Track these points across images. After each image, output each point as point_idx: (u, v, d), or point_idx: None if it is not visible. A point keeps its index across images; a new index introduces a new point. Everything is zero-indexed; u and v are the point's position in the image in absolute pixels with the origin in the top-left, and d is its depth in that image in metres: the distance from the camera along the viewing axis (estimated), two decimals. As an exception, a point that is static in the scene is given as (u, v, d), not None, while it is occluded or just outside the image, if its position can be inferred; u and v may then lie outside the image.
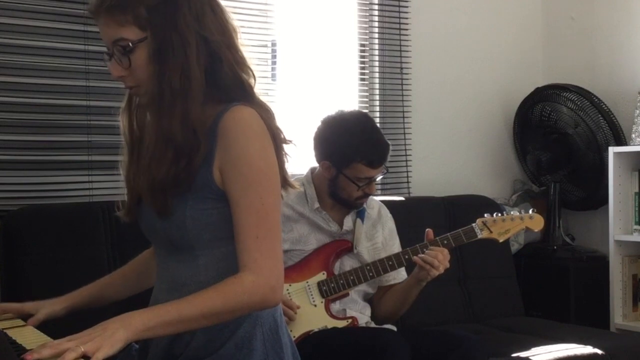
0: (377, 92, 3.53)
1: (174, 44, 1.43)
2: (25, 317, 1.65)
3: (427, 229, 2.43)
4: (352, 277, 2.41)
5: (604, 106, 3.46)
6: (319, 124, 2.49)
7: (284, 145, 1.54)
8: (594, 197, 3.60)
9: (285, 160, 1.54)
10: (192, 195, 1.46)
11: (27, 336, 1.45)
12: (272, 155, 1.48)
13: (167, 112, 1.43)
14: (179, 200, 1.46)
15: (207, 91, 1.47)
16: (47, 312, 1.65)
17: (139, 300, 1.65)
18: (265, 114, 1.50)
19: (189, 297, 1.41)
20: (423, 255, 2.35)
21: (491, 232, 2.46)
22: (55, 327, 1.55)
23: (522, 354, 2.63)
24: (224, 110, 1.46)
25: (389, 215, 2.64)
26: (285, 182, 1.56)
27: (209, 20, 1.47)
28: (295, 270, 2.42)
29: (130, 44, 1.44)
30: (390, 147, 2.46)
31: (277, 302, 1.46)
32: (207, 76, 1.47)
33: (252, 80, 1.53)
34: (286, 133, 1.56)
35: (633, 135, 3.32)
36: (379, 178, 2.52)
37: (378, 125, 3.38)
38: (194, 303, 1.39)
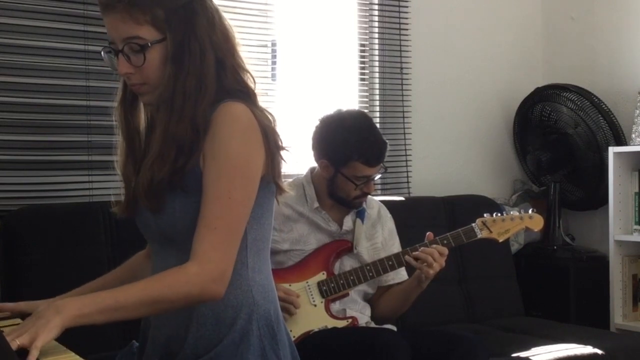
0: (377, 92, 3.54)
1: (192, 48, 1.46)
2: (21, 316, 1.65)
3: (427, 233, 2.43)
4: (352, 277, 2.41)
5: (604, 106, 3.46)
6: (317, 123, 2.50)
7: (281, 152, 1.54)
8: (594, 197, 3.60)
9: (280, 164, 1.54)
10: (181, 188, 1.47)
11: None
12: (256, 153, 1.48)
13: (176, 114, 1.45)
14: (170, 195, 1.47)
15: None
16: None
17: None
18: (262, 116, 1.51)
19: (129, 284, 1.42)
20: (417, 253, 2.35)
21: (491, 231, 2.46)
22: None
23: (522, 354, 2.63)
24: (217, 106, 1.47)
25: (389, 215, 2.64)
26: (276, 184, 1.56)
27: (217, 27, 1.50)
28: (295, 270, 2.42)
29: (149, 44, 1.45)
30: (388, 146, 2.46)
31: (217, 295, 1.43)
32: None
33: (252, 85, 1.55)
34: (284, 138, 1.55)
35: (633, 135, 3.32)
36: (377, 177, 2.52)
37: (378, 125, 3.39)
38: (132, 291, 1.39)
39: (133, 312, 1.39)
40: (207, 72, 1.47)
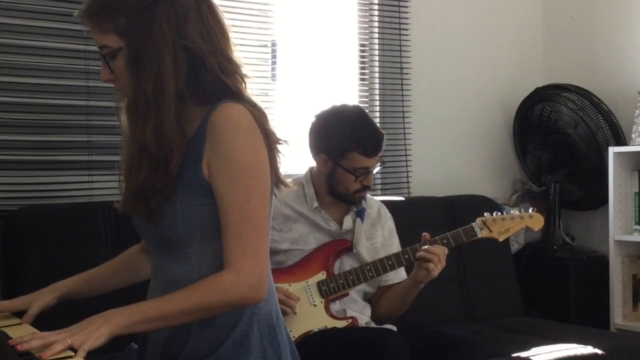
0: (377, 92, 3.54)
1: (149, 53, 1.44)
2: (18, 313, 1.66)
3: (424, 234, 2.43)
4: (351, 277, 2.41)
5: (604, 106, 3.46)
6: (312, 119, 2.50)
7: (278, 145, 1.54)
8: (594, 197, 3.60)
9: (279, 159, 1.55)
10: (181, 192, 1.47)
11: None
12: (262, 152, 1.48)
13: (141, 121, 1.45)
14: (168, 202, 1.47)
15: (193, 94, 1.48)
16: (40, 305, 1.67)
17: (135, 293, 1.66)
18: (257, 113, 1.50)
19: (170, 294, 1.44)
20: (422, 254, 2.35)
21: (491, 231, 2.46)
22: (49, 323, 1.55)
23: (522, 354, 2.63)
24: (214, 108, 1.46)
25: (389, 215, 2.64)
26: (278, 180, 1.56)
27: (191, 26, 1.47)
28: (295, 270, 2.42)
29: (109, 53, 1.47)
30: (385, 138, 2.46)
31: (259, 299, 1.47)
32: (191, 82, 1.47)
33: (240, 84, 1.52)
34: (281, 133, 1.55)
35: (633, 135, 3.32)
36: (376, 170, 2.52)
37: (378, 124, 3.40)
38: (174, 301, 1.43)
39: (175, 321, 1.44)
40: (166, 76, 1.44)
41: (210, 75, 1.48)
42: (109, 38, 1.46)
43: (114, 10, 1.45)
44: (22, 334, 1.34)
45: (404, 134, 3.53)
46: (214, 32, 1.50)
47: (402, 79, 3.53)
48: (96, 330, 1.34)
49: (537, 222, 2.53)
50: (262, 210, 1.47)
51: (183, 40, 1.45)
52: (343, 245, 2.47)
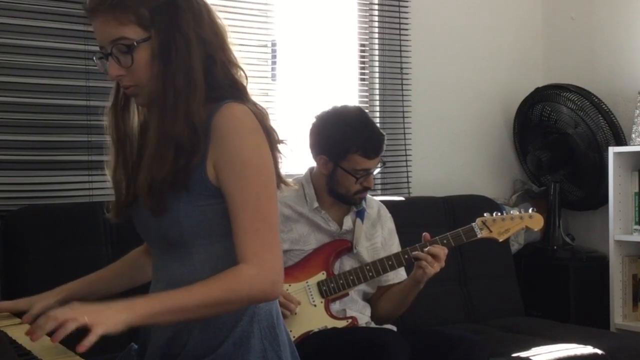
0: (377, 92, 3.54)
1: (178, 45, 1.45)
2: (20, 314, 1.65)
3: (424, 234, 2.43)
4: (351, 277, 2.41)
5: (604, 106, 3.46)
6: (313, 120, 2.50)
7: (278, 145, 1.55)
8: (594, 197, 3.60)
9: (279, 159, 1.55)
10: (186, 193, 1.47)
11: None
12: (266, 150, 1.48)
13: (170, 112, 1.45)
14: (174, 198, 1.47)
15: (206, 89, 1.49)
16: (41, 306, 1.65)
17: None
18: (258, 112, 1.51)
19: (190, 286, 1.42)
20: (418, 253, 2.36)
21: (491, 231, 2.46)
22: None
23: (522, 354, 2.63)
24: (217, 108, 1.47)
25: (389, 215, 2.64)
26: (279, 179, 1.56)
27: (205, 22, 1.49)
28: (295, 270, 2.42)
29: (135, 43, 1.44)
30: (386, 140, 2.47)
31: (276, 296, 1.48)
32: (207, 76, 1.49)
33: (244, 80, 1.55)
34: (281, 133, 1.56)
35: (633, 135, 3.32)
36: (376, 171, 2.52)
37: (378, 124, 3.40)
38: (196, 293, 1.41)
39: (194, 314, 1.42)
40: (195, 68, 1.46)
41: (220, 71, 1.50)
42: (129, 29, 1.44)
43: (137, 2, 1.44)
44: (24, 332, 1.33)
45: (404, 134, 3.53)
46: (218, 28, 1.52)
47: (402, 79, 3.53)
48: (115, 316, 1.30)
49: (537, 222, 2.53)
50: (272, 205, 1.47)
51: (202, 34, 1.47)
52: (343, 245, 2.47)
